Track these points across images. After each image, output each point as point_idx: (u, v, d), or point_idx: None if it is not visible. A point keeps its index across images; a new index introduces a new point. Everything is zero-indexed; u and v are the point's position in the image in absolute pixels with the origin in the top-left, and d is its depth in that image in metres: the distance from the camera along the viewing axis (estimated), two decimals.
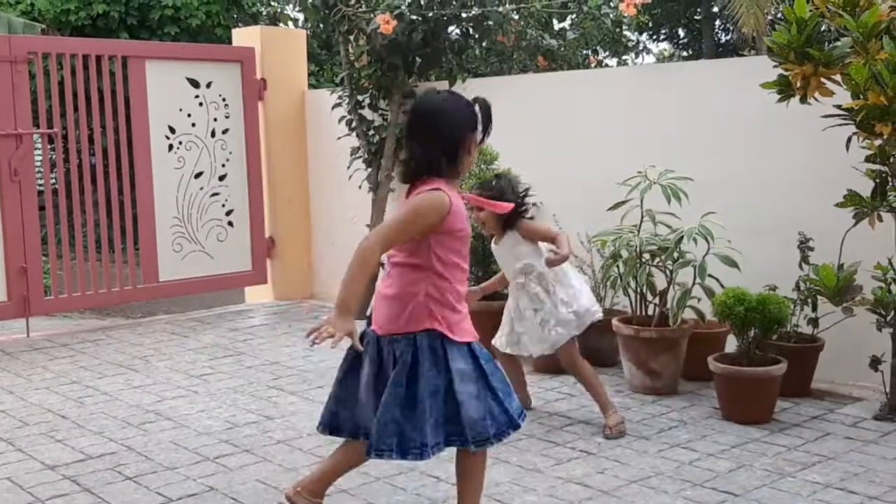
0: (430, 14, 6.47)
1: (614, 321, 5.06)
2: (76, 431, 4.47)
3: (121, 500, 3.62)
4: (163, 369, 5.62)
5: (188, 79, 7.18)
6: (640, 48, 24.11)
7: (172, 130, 7.11)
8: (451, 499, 3.59)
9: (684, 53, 25.77)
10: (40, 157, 6.86)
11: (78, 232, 6.84)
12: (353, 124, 7.06)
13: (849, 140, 4.36)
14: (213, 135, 7.33)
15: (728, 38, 24.70)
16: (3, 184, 6.30)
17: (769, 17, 17.11)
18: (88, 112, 6.78)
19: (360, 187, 7.10)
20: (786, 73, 4.37)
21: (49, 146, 6.87)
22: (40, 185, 6.79)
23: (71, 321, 8.18)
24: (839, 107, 4.30)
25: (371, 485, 3.75)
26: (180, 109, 7.14)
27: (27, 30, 10.39)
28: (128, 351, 6.11)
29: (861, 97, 4.12)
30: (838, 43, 4.25)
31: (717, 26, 24.40)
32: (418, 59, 6.80)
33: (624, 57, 14.99)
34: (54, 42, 7.38)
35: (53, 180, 6.94)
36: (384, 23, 6.27)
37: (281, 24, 13.87)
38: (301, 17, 14.60)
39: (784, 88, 4.43)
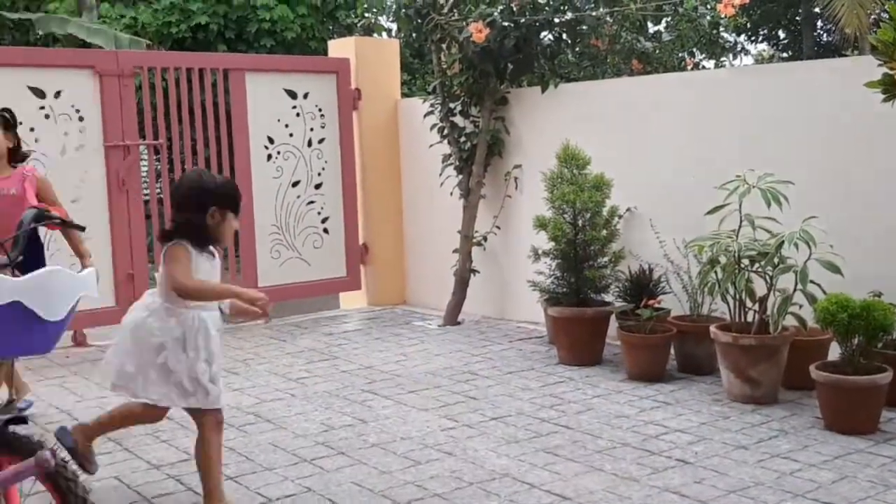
0: (523, 20, 6.48)
1: (712, 328, 4.97)
2: (180, 432, 4.62)
3: None
4: (262, 372, 5.76)
5: (286, 90, 7.36)
6: (738, 49, 23.57)
7: (271, 140, 7.29)
8: None
9: (784, 55, 25.10)
10: (146, 168, 7.12)
11: None
12: (445, 132, 7.12)
13: None
14: (309, 144, 7.48)
15: (829, 38, 23.94)
16: (111, 193, 6.57)
17: (872, 17, 16.52)
18: (192, 123, 7.01)
19: (451, 194, 7.15)
20: (890, 73, 4.22)
21: (154, 157, 7.11)
22: (146, 194, 7.04)
23: None
24: None
25: (464, 489, 3.76)
26: (278, 120, 7.32)
27: (133, 45, 10.81)
28: (229, 354, 6.28)
29: None
30: None
31: (818, 27, 23.68)
32: (510, 66, 6.81)
33: (721, 59, 14.69)
34: (159, 56, 7.67)
35: (158, 190, 7.19)
36: (476, 31, 6.31)
37: (375, 35, 14.06)
38: (394, 27, 14.79)
39: (889, 88, 4.27)
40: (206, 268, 3.42)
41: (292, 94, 7.39)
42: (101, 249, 6.52)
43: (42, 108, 6.32)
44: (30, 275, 2.40)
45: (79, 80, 6.45)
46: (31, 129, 6.26)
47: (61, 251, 6.31)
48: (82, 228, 2.90)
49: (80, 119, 6.45)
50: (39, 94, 6.32)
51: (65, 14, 12.67)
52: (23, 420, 2.50)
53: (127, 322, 3.49)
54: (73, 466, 2.50)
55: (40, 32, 12.75)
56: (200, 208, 3.35)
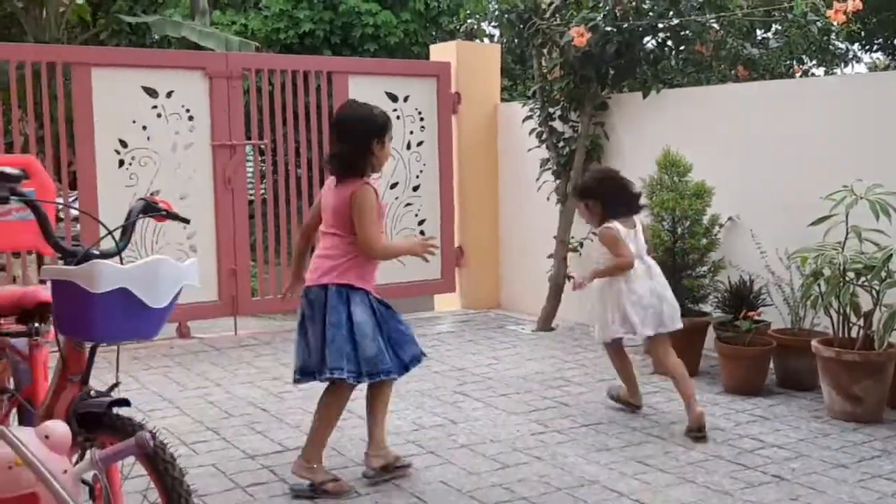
0: (626, 25, 6.41)
1: (814, 342, 4.82)
2: (275, 424, 4.73)
3: None
4: None
5: (387, 93, 7.46)
6: (851, 58, 22.75)
7: None
8: None
9: None
10: (251, 168, 7.32)
11: (283, 238, 7.24)
12: (544, 136, 7.10)
13: None
14: (408, 147, 7.57)
15: None
16: (217, 191, 6.78)
17: None
18: (296, 125, 7.18)
19: (548, 199, 7.12)
20: None
21: (259, 158, 7.30)
22: (251, 194, 7.24)
23: (274, 322, 8.65)
24: None
25: (552, 494, 3.75)
26: None
27: (243, 48, 11.12)
28: None
29: None
30: None
31: None
32: (611, 71, 6.75)
33: (832, 67, 14.20)
34: (265, 59, 7.88)
35: (263, 190, 7.38)
36: (578, 35, 6.27)
37: (476, 40, 14.13)
38: (496, 32, 14.81)
39: None
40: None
41: (393, 98, 7.48)
42: (205, 245, 6.74)
43: (154, 107, 6.57)
44: (136, 263, 2.50)
45: (190, 81, 6.68)
46: (144, 128, 6.53)
47: (170, 244, 6.58)
48: (187, 221, 3.00)
49: (190, 118, 6.68)
50: (152, 93, 6.57)
51: (179, 18, 13.14)
52: (125, 403, 2.60)
53: None
54: (172, 449, 2.58)
55: (156, 36, 13.26)
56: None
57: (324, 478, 3.78)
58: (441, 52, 8.15)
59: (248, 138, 7.08)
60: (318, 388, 5.39)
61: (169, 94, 6.61)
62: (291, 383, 4.20)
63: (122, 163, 6.48)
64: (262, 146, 7.23)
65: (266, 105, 7.04)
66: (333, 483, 3.78)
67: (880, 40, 24.12)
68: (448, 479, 3.92)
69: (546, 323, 7.01)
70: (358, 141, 3.81)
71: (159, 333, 2.68)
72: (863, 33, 21.57)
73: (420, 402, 5.10)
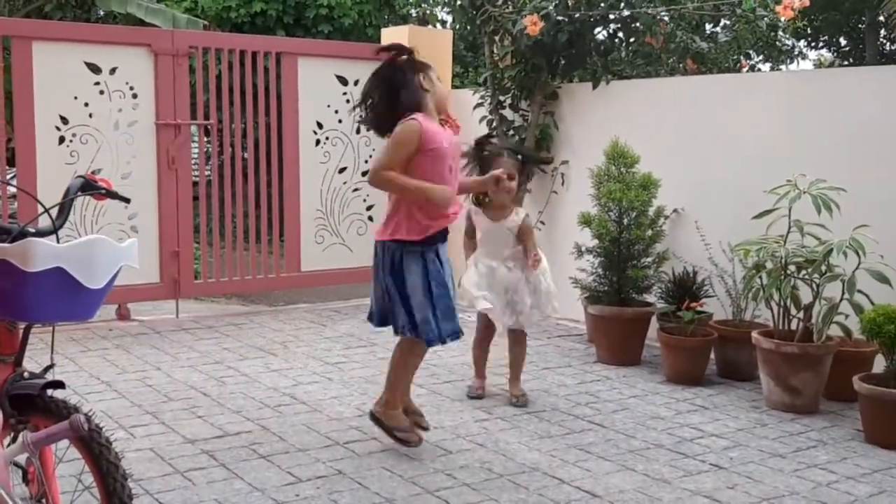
0: (577, 15, 6.43)
1: (754, 334, 4.89)
2: (216, 409, 4.67)
3: (254, 478, 3.75)
4: (300, 355, 5.80)
5: (337, 76, 7.38)
6: (797, 54, 23.16)
7: (320, 126, 7.33)
8: (573, 501, 3.56)
9: (845, 62, 24.62)
10: (196, 149, 7.20)
11: (228, 221, 7.15)
12: (494, 124, 7.09)
13: None
14: (357, 131, 7.50)
15: (894, 47, 23.42)
16: (161, 171, 6.65)
17: None
18: (243, 106, 7.07)
19: None
20: None
21: (205, 138, 7.18)
22: (195, 175, 7.13)
23: (217, 305, 8.55)
24: None
25: (493, 481, 3.75)
26: (328, 105, 7.35)
27: (190, 26, 10.93)
28: (268, 336, 6.34)
29: None
30: None
31: (881, 35, 23.17)
32: (562, 60, 6.76)
33: (779, 63, 14.44)
34: (213, 37, 7.74)
35: (208, 171, 7.27)
36: (531, 24, 6.26)
37: (429, 25, 14.08)
38: (449, 18, 14.78)
39: None
40: None
41: (343, 81, 7.41)
42: (147, 226, 6.62)
43: (97, 83, 6.42)
44: (72, 242, 2.43)
45: (134, 58, 6.53)
46: (86, 105, 6.37)
47: (110, 224, 6.45)
48: (127, 200, 2.92)
49: (134, 96, 6.54)
50: (95, 69, 6.42)
51: None
52: (60, 385, 2.54)
53: None
54: (108, 433, 2.53)
55: (101, 11, 12.97)
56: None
57: (398, 423, 4.05)
58: (392, 36, 8.07)
59: (194, 118, 6.95)
60: (258, 371, 5.34)
61: (112, 71, 6.46)
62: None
63: (62, 140, 6.33)
64: (208, 126, 7.12)
65: (213, 85, 6.93)
66: (404, 433, 4.04)
67: (825, 38, 24.60)
68: (390, 466, 3.90)
69: None
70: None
71: (97, 315, 2.61)
72: (809, 30, 21.99)
73: (364, 389, 5.07)
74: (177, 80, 6.67)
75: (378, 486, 3.68)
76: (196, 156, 7.23)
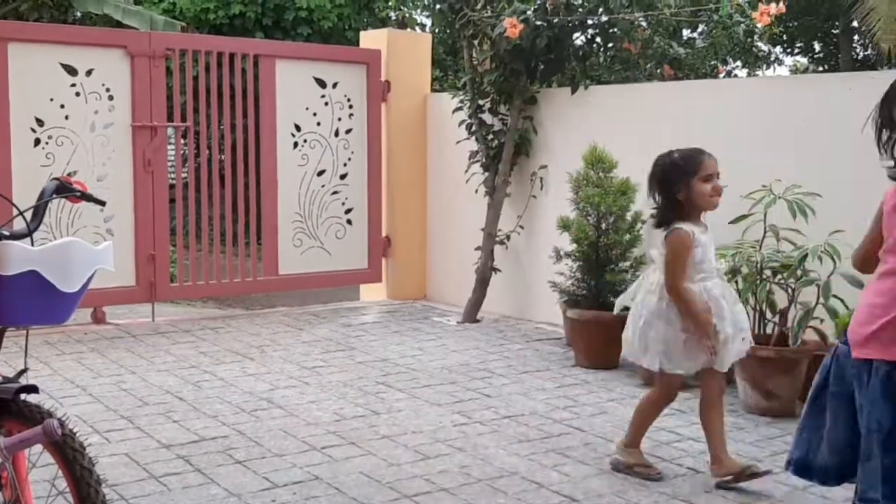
0: (556, 20, 6.45)
1: None
2: (192, 414, 4.64)
3: (230, 483, 3.73)
4: (277, 359, 5.77)
5: (315, 78, 7.36)
6: (773, 60, 23.35)
7: (298, 128, 7.30)
8: None
9: (820, 68, 24.86)
10: (173, 151, 7.16)
11: (205, 223, 7.11)
12: (473, 128, 7.09)
13: None
14: (336, 134, 7.49)
15: (867, 53, 23.67)
16: (137, 173, 6.61)
17: None
18: (220, 108, 7.04)
19: (476, 191, 7.13)
20: None
21: (182, 141, 7.13)
22: (172, 178, 7.08)
23: (193, 309, 8.50)
24: None
25: (472, 486, 3.75)
26: (307, 108, 7.33)
27: (167, 27, 10.87)
28: (245, 340, 6.30)
29: None
30: None
31: (855, 41, 23.42)
32: (541, 65, 6.78)
33: (755, 68, 14.55)
34: (191, 39, 7.70)
35: (185, 174, 7.22)
36: (511, 27, 6.27)
37: (408, 29, 14.07)
38: (428, 21, 14.79)
39: None
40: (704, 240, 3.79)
41: (321, 83, 7.39)
42: (123, 229, 6.57)
43: (73, 85, 6.38)
44: (47, 245, 2.41)
45: (111, 60, 6.49)
46: (62, 106, 6.33)
47: (86, 227, 6.40)
48: (102, 203, 2.90)
49: (110, 98, 6.50)
50: (71, 71, 6.37)
51: None
52: (34, 389, 2.51)
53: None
54: (83, 438, 2.50)
55: (78, 12, 12.85)
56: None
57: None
58: (371, 39, 8.08)
59: (171, 120, 6.91)
60: (234, 375, 5.31)
61: (89, 73, 6.41)
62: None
63: (37, 142, 6.27)
64: (185, 129, 7.07)
65: (190, 87, 6.89)
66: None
67: (801, 44, 24.82)
68: (368, 471, 3.89)
69: (471, 315, 7.02)
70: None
71: (72, 318, 2.59)
72: (784, 36, 22.18)
73: (342, 393, 5.05)
74: (153, 82, 6.63)
75: (356, 492, 3.66)
76: (173, 158, 7.18)
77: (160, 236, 6.75)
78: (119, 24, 10.95)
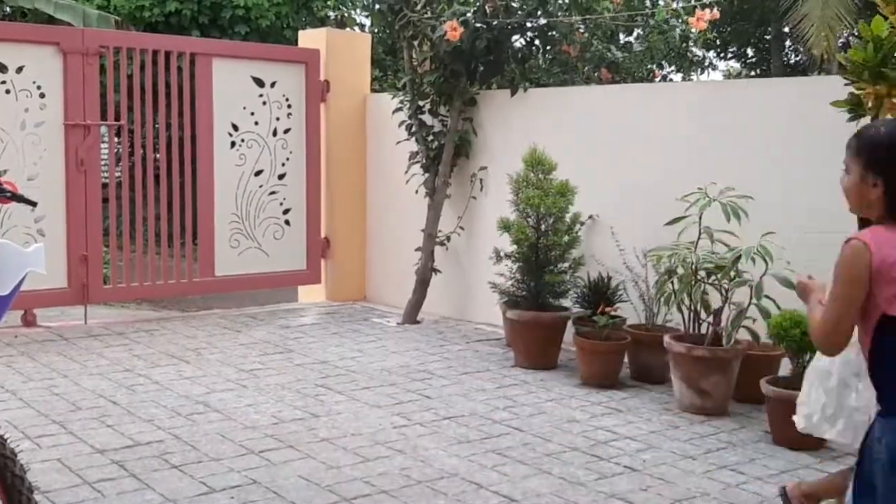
0: (495, 22, 6.48)
1: (666, 338, 5.00)
2: (126, 418, 4.55)
3: (165, 487, 3.67)
4: (214, 362, 5.70)
5: (253, 78, 7.28)
6: (707, 65, 23.80)
7: (235, 128, 7.21)
8: None
9: (752, 73, 25.40)
10: (107, 150, 7.01)
11: (139, 224, 6.97)
12: (413, 129, 7.09)
13: None
14: (274, 134, 7.42)
15: (798, 58, 24.27)
16: (69, 173, 6.45)
17: (840, 40, 16.75)
18: (155, 107, 6.91)
19: (416, 192, 7.13)
20: (857, 92, 4.26)
21: (116, 139, 6.99)
22: (106, 177, 6.93)
23: (127, 311, 8.34)
24: None
25: (412, 487, 3.75)
26: (244, 107, 7.24)
27: (101, 22, 10.62)
28: (181, 343, 6.21)
29: None
30: None
31: (787, 47, 23.99)
32: (481, 67, 6.81)
33: (690, 73, 14.80)
34: (125, 36, 7.55)
35: (118, 173, 7.08)
36: (451, 29, 6.29)
37: (347, 28, 14.00)
38: (367, 21, 14.75)
39: (855, 108, 4.31)
40: None
41: (259, 83, 7.31)
42: (55, 230, 6.42)
43: (3, 82, 6.21)
44: None
45: (42, 57, 6.33)
46: None
47: (16, 228, 6.24)
48: (34, 203, 2.83)
49: (42, 96, 6.34)
50: (1, 68, 6.20)
51: None
52: None
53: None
54: (12, 444, 2.44)
55: (8, 7, 12.51)
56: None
57: None
58: (310, 38, 8.02)
59: (105, 118, 6.77)
60: (170, 379, 5.23)
61: (19, 70, 6.25)
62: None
63: None
64: (119, 127, 6.94)
65: (124, 85, 6.75)
66: None
67: (734, 49, 25.34)
68: (307, 474, 3.86)
69: (411, 316, 7.02)
70: None
71: (2, 321, 2.52)
72: (718, 42, 22.61)
73: (280, 396, 5.01)
74: (87, 80, 6.49)
75: (294, 496, 3.63)
76: (106, 157, 7.04)
77: (93, 237, 6.60)
78: (51, 20, 10.70)
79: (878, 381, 2.32)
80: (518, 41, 6.90)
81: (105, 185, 6.86)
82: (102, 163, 6.87)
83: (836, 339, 2.33)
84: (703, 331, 4.98)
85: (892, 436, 2.23)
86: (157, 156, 7.12)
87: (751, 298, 4.69)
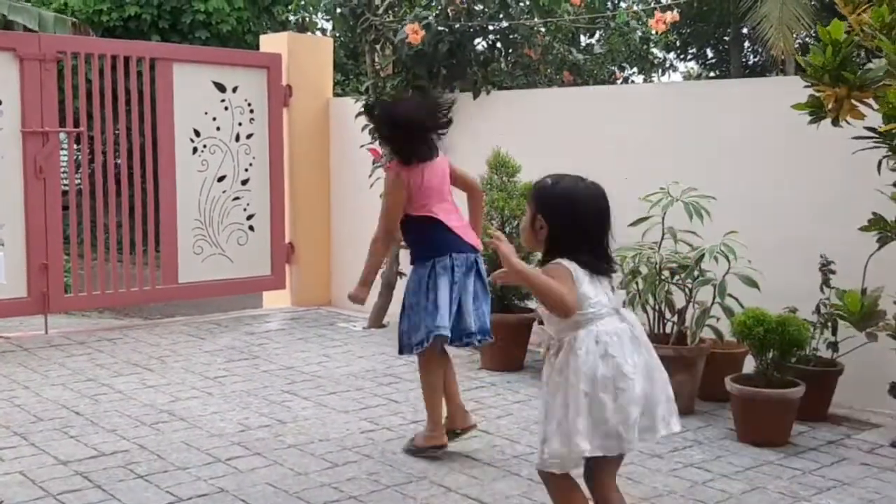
0: (457, 26, 6.49)
1: None
2: (90, 428, 4.49)
3: (131, 498, 3.62)
4: (178, 370, 5.64)
5: (214, 83, 7.23)
6: (668, 66, 24.05)
7: (197, 133, 7.15)
8: None
9: (711, 74, 25.70)
10: (66, 157, 6.91)
11: (100, 231, 6.89)
12: (376, 133, 7.06)
13: (880, 163, 4.30)
14: (237, 139, 7.36)
15: (756, 59, 24.59)
16: (27, 181, 6.36)
17: (798, 41, 17.01)
18: (115, 113, 6.83)
19: (380, 196, 7.09)
20: (817, 95, 4.32)
21: (75, 146, 6.89)
22: (65, 184, 6.84)
23: (89, 320, 8.23)
24: (873, 129, 4.23)
25: (381, 492, 3.73)
26: (206, 113, 7.18)
27: (58, 24, 10.47)
28: (144, 351, 6.14)
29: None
30: (871, 65, 4.20)
31: (745, 48, 24.30)
32: (444, 70, 6.81)
33: (651, 74, 14.95)
34: (83, 42, 7.45)
35: (78, 180, 6.99)
36: (412, 33, 6.29)
37: (309, 33, 13.95)
38: (329, 25, 14.70)
39: (815, 110, 4.37)
40: None
41: (221, 88, 7.26)
42: (14, 238, 6.32)
43: None
44: None
45: None
46: None
47: None
48: None
49: None
50: None
51: None
52: None
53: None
54: None
55: None
56: None
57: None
58: (271, 43, 7.97)
59: (63, 125, 6.68)
60: (133, 387, 5.16)
61: None
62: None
63: None
64: (79, 134, 6.84)
65: (83, 90, 6.66)
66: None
67: (694, 50, 25.62)
68: (275, 481, 3.83)
69: (377, 320, 6.99)
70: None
71: None
72: (678, 43, 22.85)
73: (247, 403, 4.96)
74: (44, 86, 6.40)
75: (262, 503, 3.60)
76: (66, 164, 6.94)
77: (53, 245, 6.51)
78: (6, 21, 10.54)
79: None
80: (480, 44, 6.92)
81: (65, 193, 6.77)
82: (62, 170, 6.78)
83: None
84: (668, 330, 5.01)
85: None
86: (118, 162, 7.04)
87: (714, 297, 4.73)
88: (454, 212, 4.36)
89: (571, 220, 2.91)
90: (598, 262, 2.91)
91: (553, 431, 2.81)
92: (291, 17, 14.44)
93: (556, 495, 2.98)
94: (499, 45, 6.96)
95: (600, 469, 2.92)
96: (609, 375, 2.78)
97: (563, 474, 2.87)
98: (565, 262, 2.83)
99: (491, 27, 6.71)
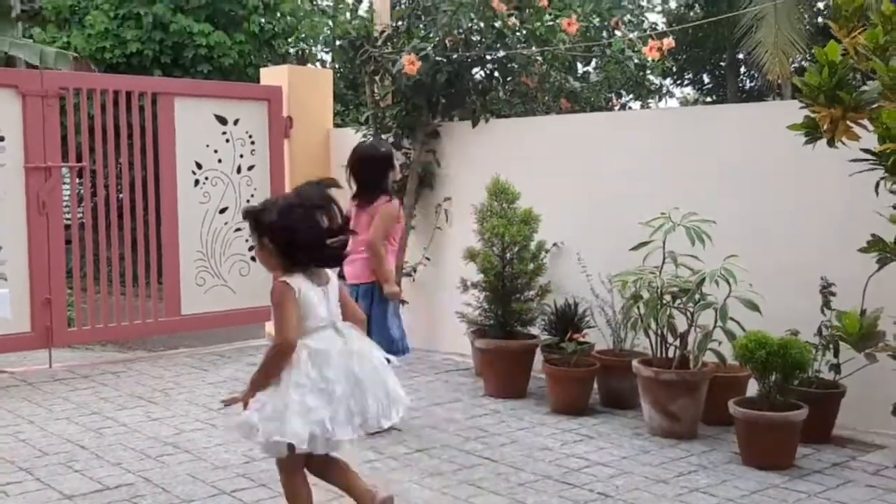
0: (455, 56, 6.55)
1: (634, 363, 5.04)
2: (95, 462, 4.48)
3: None
4: (182, 402, 5.64)
5: (216, 115, 7.28)
6: (664, 92, 24.18)
7: (199, 166, 7.20)
8: None
9: (708, 99, 25.83)
10: (69, 191, 6.95)
11: (103, 265, 6.91)
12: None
13: (877, 185, 4.32)
14: (238, 171, 7.41)
15: (753, 84, 24.73)
16: (30, 216, 6.39)
17: (794, 65, 17.13)
18: (117, 147, 6.88)
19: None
20: (813, 116, 4.35)
21: (77, 180, 6.94)
22: (68, 219, 6.87)
23: (93, 353, 8.23)
24: (869, 151, 4.25)
25: None
26: (207, 145, 7.23)
27: (59, 59, 10.56)
28: (148, 383, 6.14)
29: (891, 141, 4.08)
30: (866, 87, 4.23)
31: (741, 73, 24.46)
32: (442, 100, 6.87)
33: (648, 100, 15.03)
34: (85, 77, 7.52)
35: (81, 214, 7.02)
36: (409, 63, 6.35)
37: (309, 65, 14.06)
38: (329, 57, 14.82)
39: (811, 131, 4.39)
40: None
41: (222, 120, 7.32)
42: (17, 273, 6.33)
43: None
44: None
45: (0, 100, 6.29)
46: None
47: None
48: None
49: (1, 139, 6.28)
50: None
51: None
52: None
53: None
54: None
55: None
56: None
57: None
58: (272, 75, 8.05)
59: (66, 160, 6.73)
60: (138, 420, 5.16)
61: None
62: None
63: None
64: (81, 168, 6.89)
65: (85, 125, 6.72)
66: None
67: (690, 75, 25.77)
68: None
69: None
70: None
71: None
72: (674, 69, 23.00)
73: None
74: (46, 121, 6.45)
75: None
76: (68, 198, 6.98)
77: (56, 279, 6.53)
78: (7, 58, 10.64)
79: None
80: (478, 74, 6.98)
81: (68, 227, 6.80)
82: (64, 204, 6.82)
83: None
84: (671, 354, 5.02)
85: None
86: (121, 196, 7.08)
87: (716, 321, 4.75)
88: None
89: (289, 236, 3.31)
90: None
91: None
92: (291, 50, 14.56)
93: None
94: (496, 74, 7.02)
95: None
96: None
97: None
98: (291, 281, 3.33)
99: (488, 56, 6.77)
